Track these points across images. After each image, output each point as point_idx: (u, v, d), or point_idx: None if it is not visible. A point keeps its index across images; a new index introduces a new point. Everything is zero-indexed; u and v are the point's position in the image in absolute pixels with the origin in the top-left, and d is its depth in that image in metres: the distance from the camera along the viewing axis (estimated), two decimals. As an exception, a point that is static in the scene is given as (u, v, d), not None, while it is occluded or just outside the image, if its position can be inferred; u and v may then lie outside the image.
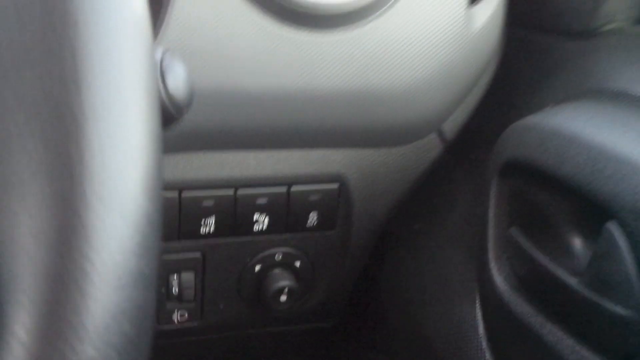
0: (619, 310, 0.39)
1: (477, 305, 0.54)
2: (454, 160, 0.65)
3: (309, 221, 0.64)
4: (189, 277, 0.64)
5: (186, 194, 0.60)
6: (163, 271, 0.63)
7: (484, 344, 0.52)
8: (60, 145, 0.23)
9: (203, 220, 0.61)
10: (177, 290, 0.64)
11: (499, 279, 0.49)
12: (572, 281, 0.42)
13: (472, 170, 0.64)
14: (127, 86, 0.24)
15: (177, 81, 0.35)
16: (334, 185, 0.63)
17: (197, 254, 0.63)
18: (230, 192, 0.61)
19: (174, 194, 0.59)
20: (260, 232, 0.63)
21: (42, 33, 0.23)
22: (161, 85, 0.33)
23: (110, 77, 0.23)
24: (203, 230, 0.62)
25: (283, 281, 0.65)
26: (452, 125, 0.64)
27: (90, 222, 0.23)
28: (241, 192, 0.61)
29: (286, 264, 0.66)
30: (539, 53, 0.62)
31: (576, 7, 0.59)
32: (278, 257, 0.65)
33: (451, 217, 0.64)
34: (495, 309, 0.50)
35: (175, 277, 0.63)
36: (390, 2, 0.55)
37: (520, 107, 0.60)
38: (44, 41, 0.23)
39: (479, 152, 0.63)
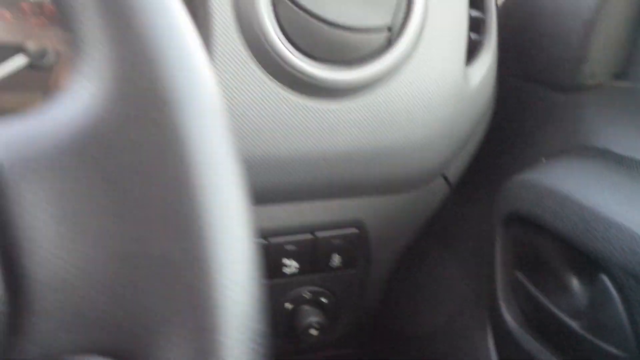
0: (615, 351, 0.47)
1: (489, 336, 0.62)
2: (460, 200, 0.73)
3: (332, 262, 0.71)
4: (227, 317, 0.71)
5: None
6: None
7: (498, 372, 0.60)
8: (199, 302, 0.30)
9: (239, 267, 0.68)
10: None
11: (509, 317, 0.57)
12: (573, 324, 0.49)
13: (477, 209, 0.71)
14: (246, 258, 0.31)
15: None
16: (354, 230, 0.71)
17: (234, 297, 0.70)
18: (262, 241, 0.68)
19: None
20: (290, 274, 0.71)
21: (169, 210, 0.30)
22: None
23: (232, 254, 0.30)
24: (239, 276, 0.69)
25: (312, 317, 0.72)
26: (455, 170, 0.72)
27: (223, 348, 0.30)
28: (272, 240, 0.69)
29: (314, 301, 0.73)
30: (530, 102, 0.69)
31: (561, 62, 0.66)
32: (307, 295, 0.73)
33: (461, 251, 0.71)
34: (506, 344, 0.58)
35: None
36: (396, 72, 0.62)
37: (515, 154, 0.68)
38: (171, 218, 0.30)
39: (481, 191, 0.71)
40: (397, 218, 0.72)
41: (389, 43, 0.60)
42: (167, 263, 0.30)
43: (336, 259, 0.71)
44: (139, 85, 0.30)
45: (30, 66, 0.66)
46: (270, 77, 0.59)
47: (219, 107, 0.33)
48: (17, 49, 0.66)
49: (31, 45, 0.66)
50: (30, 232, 0.29)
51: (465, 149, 0.71)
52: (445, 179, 0.72)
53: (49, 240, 0.29)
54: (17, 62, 0.66)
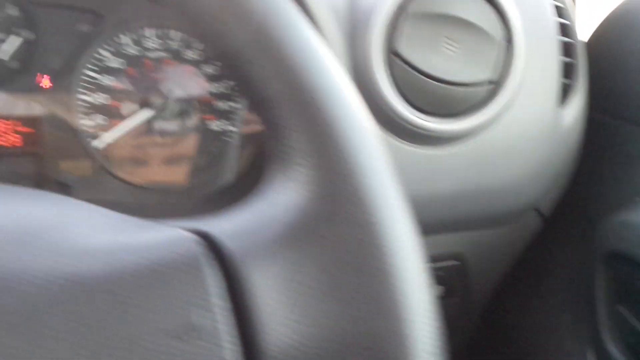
0: None
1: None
2: (553, 233, 0.78)
3: (436, 292, 0.77)
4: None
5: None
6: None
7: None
8: None
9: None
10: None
11: (613, 348, 0.62)
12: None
13: (571, 241, 0.76)
14: (434, 332, 0.37)
15: None
16: (455, 262, 0.76)
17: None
18: None
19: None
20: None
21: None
22: None
23: (424, 330, 0.36)
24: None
25: (417, 342, 0.78)
26: (548, 204, 0.77)
27: None
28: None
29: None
30: (620, 140, 0.73)
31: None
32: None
33: (556, 282, 0.76)
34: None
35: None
36: (495, 120, 0.67)
37: (606, 190, 0.72)
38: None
39: (574, 225, 0.76)
40: (495, 249, 0.77)
41: (492, 95, 0.65)
42: (372, 338, 0.36)
43: (439, 289, 0.77)
44: (340, 190, 0.36)
45: (154, 118, 0.73)
46: (382, 128, 0.65)
47: (404, 203, 0.39)
48: (142, 103, 0.72)
49: (154, 99, 0.73)
50: (261, 315, 0.35)
51: (558, 185, 0.76)
52: (539, 212, 0.77)
53: (277, 322, 0.35)
54: (142, 115, 0.72)
